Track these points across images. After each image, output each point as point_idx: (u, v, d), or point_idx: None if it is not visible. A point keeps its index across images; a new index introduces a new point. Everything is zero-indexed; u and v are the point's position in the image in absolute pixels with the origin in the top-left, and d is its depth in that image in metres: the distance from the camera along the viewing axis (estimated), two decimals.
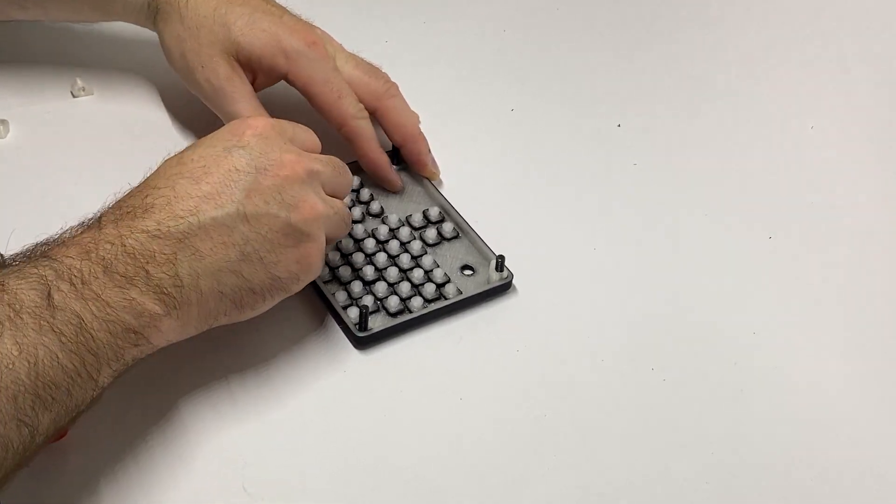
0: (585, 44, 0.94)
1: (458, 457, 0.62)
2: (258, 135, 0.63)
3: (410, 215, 0.75)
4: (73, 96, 0.83)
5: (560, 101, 0.88)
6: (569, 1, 0.98)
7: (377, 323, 0.68)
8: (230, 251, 0.59)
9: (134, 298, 0.56)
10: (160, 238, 0.57)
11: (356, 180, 0.76)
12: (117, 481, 0.59)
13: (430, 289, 0.69)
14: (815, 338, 0.70)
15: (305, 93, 0.74)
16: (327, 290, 0.69)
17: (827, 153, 0.85)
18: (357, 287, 0.69)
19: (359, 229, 0.73)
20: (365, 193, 0.76)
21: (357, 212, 0.74)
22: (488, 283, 0.71)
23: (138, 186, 0.61)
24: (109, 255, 0.56)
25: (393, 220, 0.74)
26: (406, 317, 0.68)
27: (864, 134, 0.87)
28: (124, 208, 0.59)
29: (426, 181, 0.77)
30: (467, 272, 0.72)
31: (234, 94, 0.73)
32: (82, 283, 0.54)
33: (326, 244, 0.64)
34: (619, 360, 0.68)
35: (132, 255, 0.56)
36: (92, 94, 0.83)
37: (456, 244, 0.73)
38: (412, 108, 0.78)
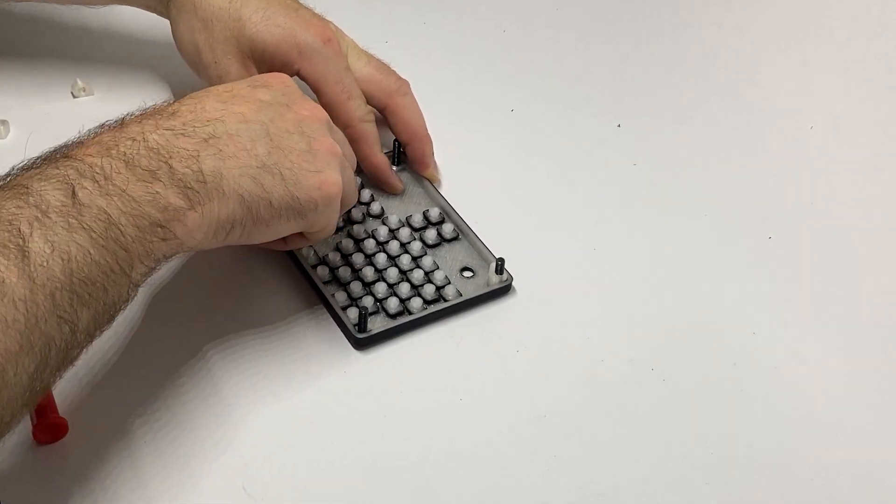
0: (585, 44, 0.94)
1: (458, 457, 0.62)
2: (282, 82, 0.66)
3: (410, 216, 0.75)
4: (74, 96, 0.83)
5: (560, 101, 0.88)
6: (569, 1, 0.98)
7: (377, 324, 0.68)
8: (253, 159, 0.60)
9: (158, 192, 0.56)
10: (185, 136, 0.58)
11: (357, 181, 0.76)
12: (117, 482, 0.59)
13: (429, 290, 0.69)
14: (815, 338, 0.70)
15: (316, 90, 0.74)
16: (327, 290, 0.69)
17: (827, 153, 0.85)
18: (357, 288, 0.69)
19: (359, 230, 0.73)
20: (365, 194, 0.76)
21: (357, 212, 0.74)
22: (488, 285, 0.71)
23: (157, 106, 0.61)
24: (131, 151, 0.56)
25: (393, 220, 0.74)
26: (405, 318, 0.68)
27: (864, 134, 0.87)
28: (149, 112, 0.60)
29: (427, 182, 0.77)
30: (467, 274, 0.72)
31: (239, 77, 0.73)
32: (105, 179, 0.55)
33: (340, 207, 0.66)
34: (619, 360, 0.68)
35: (155, 151, 0.57)
36: (92, 94, 0.83)
37: (456, 245, 0.73)
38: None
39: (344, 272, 0.70)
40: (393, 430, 0.63)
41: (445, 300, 0.69)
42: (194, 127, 0.59)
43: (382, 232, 0.73)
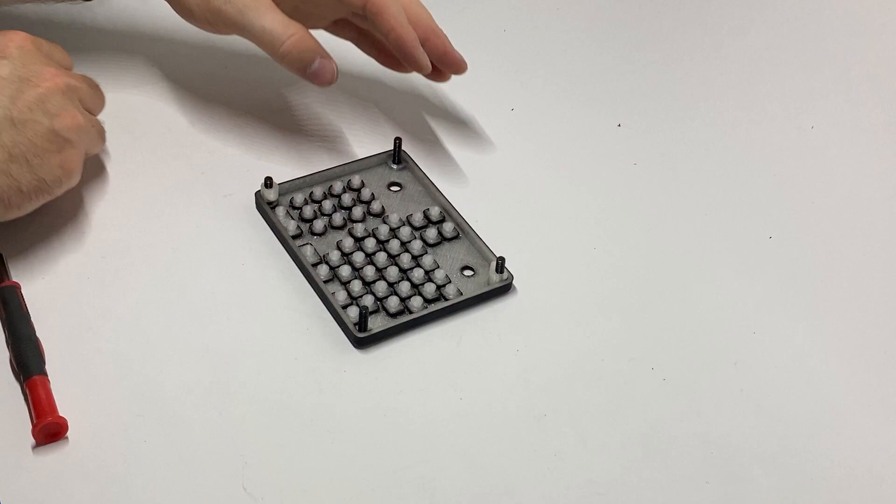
0: (585, 44, 0.94)
1: (458, 457, 0.62)
2: (20, 47, 0.67)
3: (411, 215, 0.75)
4: None
5: (560, 101, 0.88)
6: (569, 1, 0.98)
7: (377, 323, 0.68)
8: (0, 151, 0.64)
9: None
10: None
11: (357, 179, 0.76)
12: (117, 481, 0.59)
13: (430, 289, 0.69)
14: (815, 338, 0.71)
15: None
16: (327, 289, 0.69)
17: (827, 153, 0.85)
18: (357, 286, 0.69)
19: (359, 228, 0.73)
20: (366, 193, 0.76)
21: (358, 211, 0.74)
22: (488, 284, 0.71)
23: None
24: None
25: (393, 219, 0.74)
26: (406, 317, 0.68)
27: (864, 134, 0.87)
28: None
29: (427, 181, 0.77)
30: (467, 273, 0.72)
31: (258, 7, 0.72)
32: None
33: (84, 156, 0.69)
34: (619, 360, 0.68)
35: None
36: None
37: (456, 244, 0.73)
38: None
39: (344, 271, 0.70)
40: (393, 430, 0.63)
41: (446, 299, 0.69)
42: None
43: (383, 231, 0.73)
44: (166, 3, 0.76)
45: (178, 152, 0.79)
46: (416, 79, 0.87)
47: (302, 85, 0.83)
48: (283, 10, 0.73)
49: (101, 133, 0.72)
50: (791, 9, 1.00)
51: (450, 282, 0.70)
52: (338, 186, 0.76)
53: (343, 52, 0.86)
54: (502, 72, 0.90)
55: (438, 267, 0.71)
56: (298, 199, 0.75)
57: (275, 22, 0.72)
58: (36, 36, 0.70)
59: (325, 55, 0.73)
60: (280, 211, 0.74)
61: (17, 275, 0.68)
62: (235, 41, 0.78)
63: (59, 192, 0.68)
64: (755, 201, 0.80)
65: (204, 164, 0.78)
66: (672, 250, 0.76)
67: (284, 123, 0.82)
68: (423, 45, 0.74)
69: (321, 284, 0.69)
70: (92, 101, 0.72)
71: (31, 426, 0.60)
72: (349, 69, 0.87)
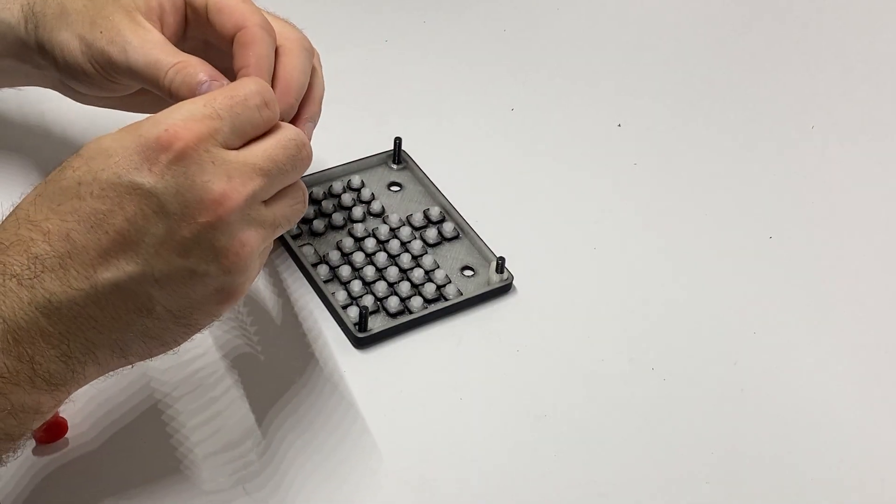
0: (585, 44, 0.94)
1: (458, 457, 0.62)
2: (175, 159, 0.50)
3: (411, 215, 0.75)
4: None
5: (560, 101, 0.88)
6: (569, 1, 0.98)
7: (377, 323, 0.68)
8: (135, 317, 0.50)
9: (14, 403, 0.48)
10: (51, 315, 0.48)
11: (357, 179, 0.76)
12: (117, 481, 0.59)
13: (430, 289, 0.69)
14: (815, 338, 0.70)
15: (205, 6, 0.61)
16: (327, 289, 0.69)
17: (827, 153, 0.85)
18: (357, 287, 0.69)
19: (359, 228, 0.73)
20: (366, 193, 0.76)
21: (358, 211, 0.74)
22: (489, 284, 0.71)
23: (26, 224, 0.49)
24: None
25: (394, 219, 0.74)
26: (406, 317, 0.68)
27: (865, 134, 0.87)
28: (9, 266, 0.49)
29: (427, 181, 0.77)
30: (468, 273, 0.72)
31: (143, 42, 0.60)
32: None
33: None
34: (619, 360, 0.68)
35: (17, 342, 0.48)
36: None
37: (456, 244, 0.73)
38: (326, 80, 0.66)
39: (344, 271, 0.70)
40: (393, 429, 0.63)
41: (446, 299, 0.69)
42: (59, 300, 0.48)
43: (383, 231, 0.73)
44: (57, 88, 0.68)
45: None
46: (416, 79, 0.87)
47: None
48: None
49: (289, 218, 0.55)
50: (791, 9, 1.00)
51: (450, 282, 0.70)
52: (338, 186, 0.76)
53: (343, 52, 0.87)
54: (502, 72, 0.90)
55: (438, 267, 0.71)
56: None
57: (159, 54, 0.60)
58: (211, 107, 0.52)
59: (217, 77, 0.58)
60: None
61: None
62: None
63: (212, 322, 0.55)
64: (755, 201, 0.80)
65: None
66: (672, 250, 0.76)
67: None
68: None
69: (321, 284, 0.69)
70: (286, 178, 0.54)
71: None
72: (349, 69, 0.87)
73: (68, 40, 0.62)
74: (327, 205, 0.74)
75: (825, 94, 0.91)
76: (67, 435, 0.60)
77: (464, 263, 0.72)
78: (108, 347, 0.50)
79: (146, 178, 0.49)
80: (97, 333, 0.50)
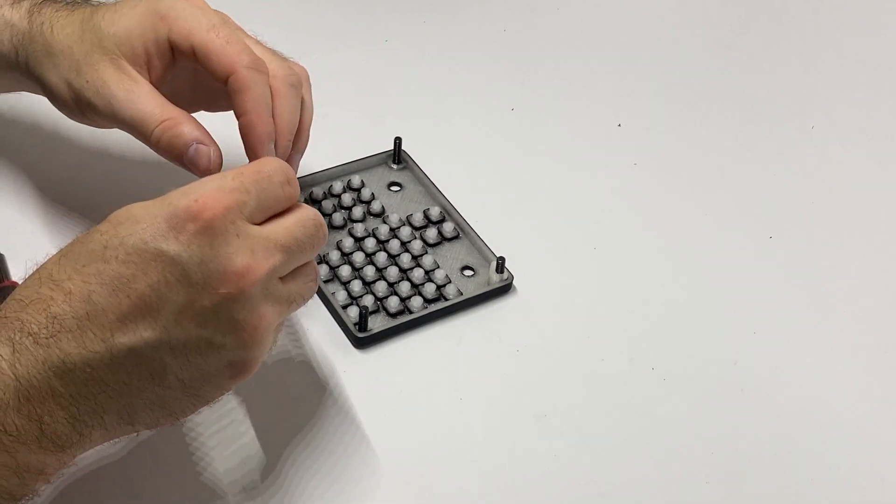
0: (585, 44, 0.94)
1: (458, 457, 0.62)
2: (202, 230, 0.50)
3: (411, 215, 0.75)
4: None
5: (560, 101, 0.88)
6: (569, 1, 0.98)
7: (377, 323, 0.68)
8: (146, 384, 0.50)
9: (20, 462, 0.48)
10: (64, 376, 0.48)
11: (357, 179, 0.76)
12: (117, 482, 0.59)
13: (430, 289, 0.69)
14: (815, 338, 0.71)
15: (191, 50, 0.61)
16: (327, 289, 0.69)
17: (827, 153, 0.85)
18: (357, 286, 0.69)
19: (359, 228, 0.73)
20: (366, 193, 0.76)
21: (358, 211, 0.74)
22: (489, 284, 0.71)
23: (48, 283, 0.50)
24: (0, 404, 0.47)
25: (394, 219, 0.74)
26: (406, 317, 0.68)
27: (865, 134, 0.87)
28: (27, 324, 0.49)
29: (427, 181, 0.77)
30: (468, 273, 0.72)
31: (128, 95, 0.61)
32: None
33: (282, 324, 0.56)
34: (619, 360, 0.68)
35: (28, 400, 0.48)
36: None
37: (456, 244, 0.73)
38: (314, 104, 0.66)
39: (344, 271, 0.70)
40: (393, 429, 0.63)
41: (446, 299, 0.69)
42: (74, 361, 0.48)
43: (383, 230, 0.73)
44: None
45: None
46: (416, 79, 0.87)
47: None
48: (165, 95, 0.62)
49: (304, 296, 0.56)
50: (791, 9, 1.00)
51: (450, 282, 0.70)
52: (338, 186, 0.76)
53: (343, 52, 0.87)
54: (502, 72, 0.90)
55: (438, 267, 0.71)
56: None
57: (145, 110, 0.60)
58: (235, 184, 0.52)
59: (203, 140, 0.59)
60: None
61: (17, 275, 0.68)
62: None
63: (221, 396, 0.54)
64: (755, 201, 0.80)
65: None
66: (672, 250, 0.76)
67: None
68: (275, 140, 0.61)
69: (321, 284, 0.69)
70: (302, 256, 0.54)
71: None
72: (349, 69, 0.87)
73: (56, 83, 0.63)
74: (327, 205, 0.74)
75: (825, 94, 0.91)
76: None
77: (464, 263, 0.72)
78: (116, 413, 0.50)
79: (172, 246, 0.49)
80: (107, 398, 0.49)
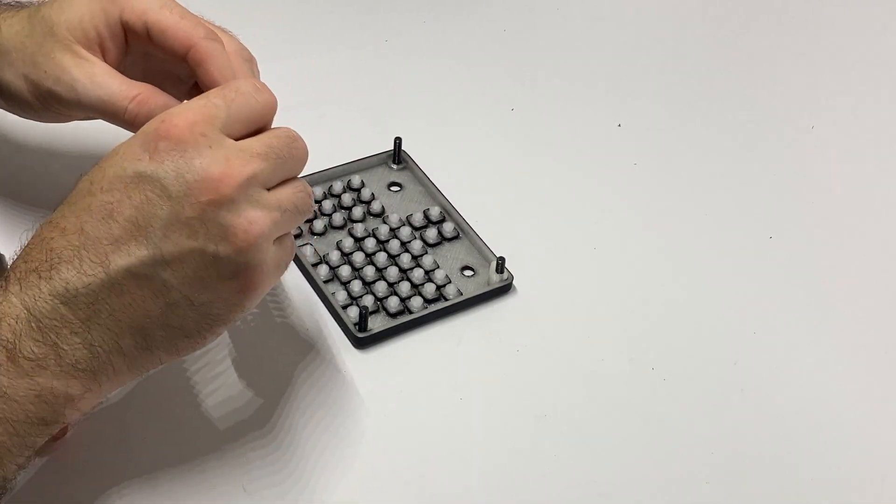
0: (585, 44, 0.94)
1: (458, 457, 0.62)
2: (173, 145, 0.51)
3: (411, 215, 0.75)
4: None
5: (560, 101, 0.88)
6: (569, 1, 0.98)
7: (377, 323, 0.68)
8: (151, 303, 0.51)
9: (43, 386, 0.50)
10: (69, 303, 0.50)
11: (357, 179, 0.76)
12: (117, 482, 0.59)
13: (430, 289, 0.69)
14: (815, 338, 0.71)
15: (145, 29, 0.60)
16: (327, 289, 0.69)
17: (827, 153, 0.85)
18: (357, 286, 0.69)
19: (359, 228, 0.73)
20: (366, 193, 0.76)
21: (358, 211, 0.74)
22: (489, 284, 0.71)
23: (47, 226, 0.53)
24: (13, 336, 0.50)
25: (394, 219, 0.74)
26: (406, 317, 0.68)
27: (865, 134, 0.87)
28: (31, 262, 0.51)
29: (427, 181, 0.77)
30: (467, 273, 0.72)
31: (91, 78, 0.60)
32: None
33: (286, 239, 0.56)
34: (619, 360, 0.68)
35: (40, 329, 0.50)
36: None
37: (456, 244, 0.73)
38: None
39: (344, 271, 0.70)
40: (393, 430, 0.63)
41: (446, 299, 0.69)
42: (76, 288, 0.50)
43: (383, 231, 0.73)
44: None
45: None
46: (416, 79, 0.87)
47: (301, 85, 0.83)
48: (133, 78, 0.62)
49: (299, 209, 0.55)
50: (791, 9, 1.00)
51: (450, 282, 0.70)
52: (338, 186, 0.76)
53: (343, 52, 0.87)
54: (502, 72, 0.90)
55: (438, 267, 0.71)
56: None
57: (111, 89, 0.60)
58: (206, 99, 0.54)
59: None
60: None
61: None
62: None
63: (239, 317, 0.55)
64: (755, 201, 0.80)
65: None
66: (672, 250, 0.76)
67: (284, 123, 0.82)
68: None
69: (321, 284, 0.69)
70: (283, 170, 0.55)
71: None
72: (349, 69, 0.87)
73: (13, 80, 0.63)
74: (327, 205, 0.74)
75: (825, 94, 0.91)
76: (67, 435, 0.60)
77: (464, 263, 0.72)
78: (129, 336, 0.52)
79: (148, 166, 0.51)
80: (116, 321, 0.51)
